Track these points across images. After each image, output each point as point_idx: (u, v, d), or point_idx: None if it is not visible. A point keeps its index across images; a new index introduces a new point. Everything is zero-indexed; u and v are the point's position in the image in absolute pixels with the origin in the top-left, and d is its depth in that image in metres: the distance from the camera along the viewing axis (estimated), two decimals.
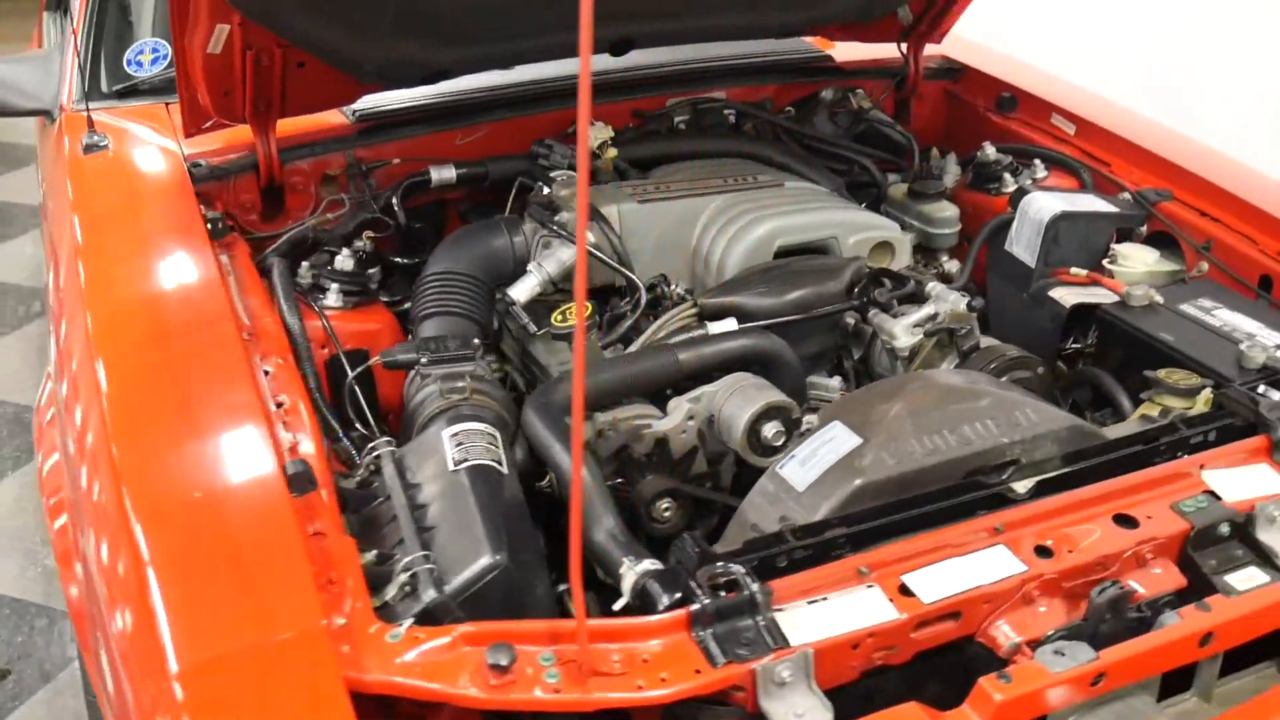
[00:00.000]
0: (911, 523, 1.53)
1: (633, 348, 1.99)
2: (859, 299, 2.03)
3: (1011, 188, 2.54)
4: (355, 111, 2.51)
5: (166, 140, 2.46)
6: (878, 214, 2.43)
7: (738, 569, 1.41)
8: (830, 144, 2.73)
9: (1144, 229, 2.40)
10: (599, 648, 1.35)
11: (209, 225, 2.15)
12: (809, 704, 1.35)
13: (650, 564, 1.48)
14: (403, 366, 1.89)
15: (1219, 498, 1.61)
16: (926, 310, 2.01)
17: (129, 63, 2.78)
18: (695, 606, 1.37)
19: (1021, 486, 1.60)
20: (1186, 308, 2.11)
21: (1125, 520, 1.56)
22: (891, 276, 2.12)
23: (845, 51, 2.97)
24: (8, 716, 2.91)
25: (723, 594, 1.39)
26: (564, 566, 1.61)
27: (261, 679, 1.26)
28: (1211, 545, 1.58)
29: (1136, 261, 2.29)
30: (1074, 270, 2.27)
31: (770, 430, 1.76)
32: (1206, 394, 1.87)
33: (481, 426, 1.72)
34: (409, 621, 1.36)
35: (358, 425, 1.92)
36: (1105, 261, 2.30)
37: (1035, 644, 1.45)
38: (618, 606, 1.48)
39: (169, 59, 2.72)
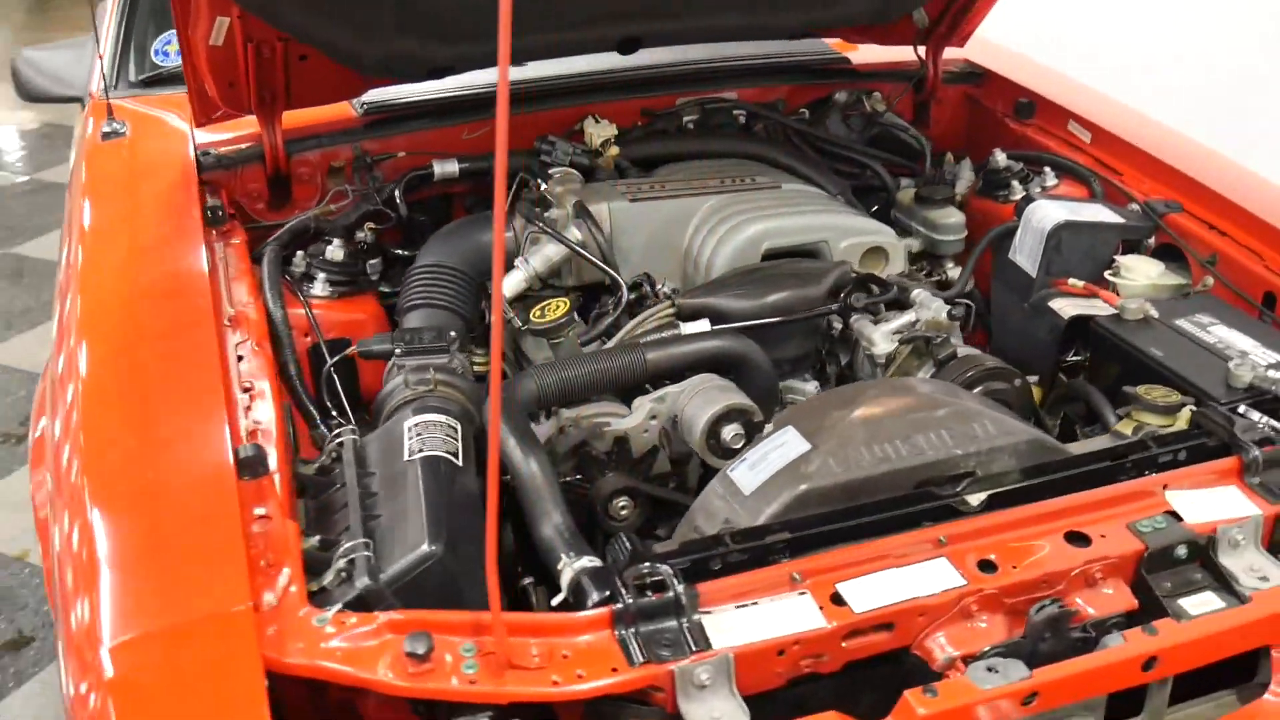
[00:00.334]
0: (854, 531, 1.51)
1: (608, 345, 1.99)
2: (837, 304, 2.01)
3: (1019, 195, 2.49)
4: (363, 105, 2.55)
5: (183, 129, 2.52)
6: (878, 219, 2.41)
7: (665, 570, 1.41)
8: (841, 147, 2.71)
9: (1152, 241, 2.34)
10: (520, 641, 1.36)
11: (207, 213, 2.20)
12: (727, 708, 1.35)
13: (588, 561, 1.49)
14: (377, 357, 1.92)
15: (1180, 519, 1.57)
16: (907, 318, 1.99)
17: (156, 52, 2.86)
18: (618, 605, 1.37)
19: (974, 499, 1.58)
20: (1182, 323, 2.06)
21: (1077, 538, 1.53)
22: (877, 283, 2.09)
23: (867, 55, 2.94)
24: (26, 682, 3.02)
25: (649, 594, 1.39)
26: (530, 559, 1.65)
27: (182, 656, 1.30)
28: (1168, 567, 1.54)
29: (1140, 274, 2.24)
30: (1072, 281, 2.23)
31: (729, 433, 1.75)
32: (1186, 412, 1.82)
33: (443, 419, 1.74)
34: (336, 607, 1.38)
35: (334, 413, 1.95)
36: (1108, 273, 2.25)
37: (971, 659, 1.43)
38: (555, 602, 1.49)
39: None
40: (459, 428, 1.74)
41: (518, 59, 2.54)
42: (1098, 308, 2.17)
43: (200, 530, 1.45)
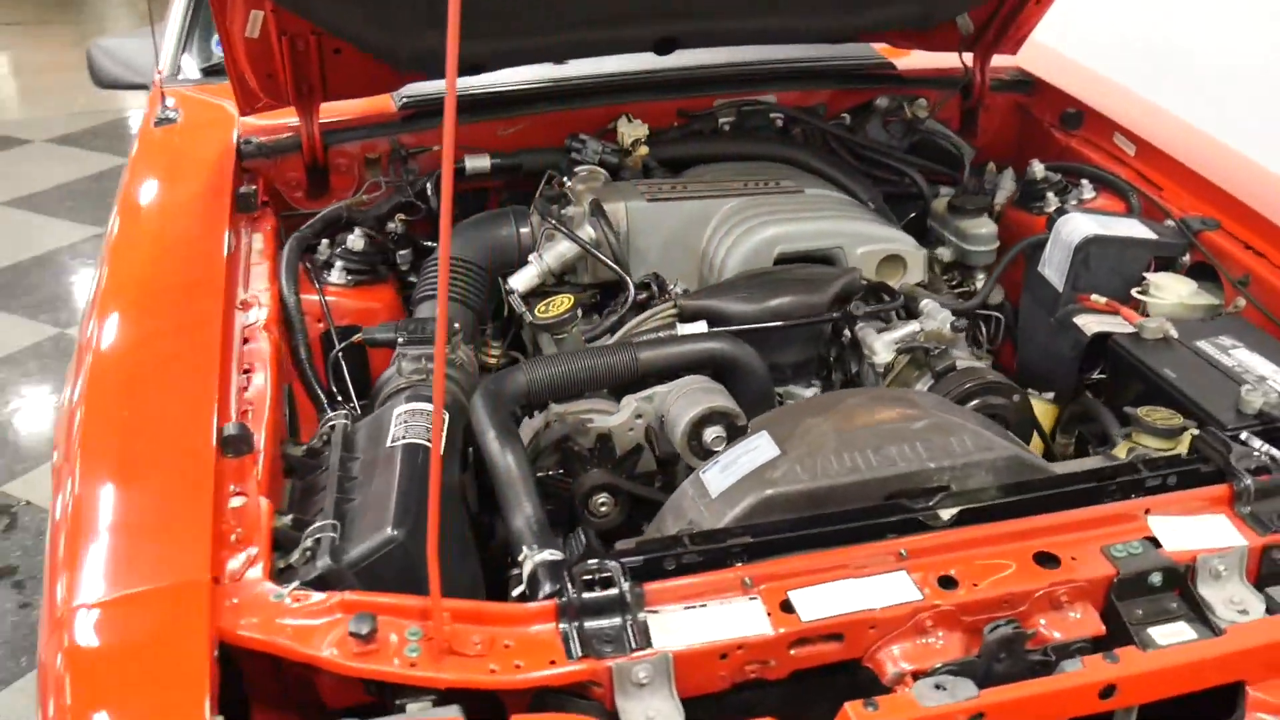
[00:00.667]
0: (815, 539, 1.50)
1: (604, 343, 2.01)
2: (838, 312, 1.99)
3: (1053, 207, 2.43)
4: (402, 99, 2.60)
5: (233, 117, 2.61)
6: (914, 227, 2.38)
7: (613, 567, 1.42)
8: (879, 153, 2.68)
9: (1187, 259, 2.26)
10: (466, 629, 1.38)
11: (240, 199, 2.28)
12: (664, 708, 1.35)
13: (549, 554, 1.51)
14: (381, 344, 1.97)
15: (1158, 545, 1.52)
16: (910, 327, 1.96)
17: (216, 43, 2.96)
18: (562, 599, 1.39)
19: (945, 514, 1.55)
20: (1203, 344, 1.99)
21: (1046, 559, 1.49)
22: (886, 291, 2.07)
23: (920, 61, 2.89)
24: None
25: (596, 590, 1.41)
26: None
27: (136, 623, 1.35)
28: (1142, 595, 1.49)
29: (1169, 292, 2.17)
30: (1095, 296, 2.17)
31: (711, 435, 1.76)
32: (1188, 437, 1.76)
33: (430, 407, 1.78)
34: (293, 584, 1.43)
35: (340, 398, 2.00)
36: (1135, 291, 2.18)
37: (922, 675, 1.41)
38: (515, 593, 1.51)
39: None
40: (445, 418, 1.77)
41: (545, 58, 2.57)
42: (1121, 325, 2.11)
43: (172, 503, 1.51)
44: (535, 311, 2.05)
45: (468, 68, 2.49)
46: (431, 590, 1.32)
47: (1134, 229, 2.27)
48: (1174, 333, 2.02)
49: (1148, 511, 1.56)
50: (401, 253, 2.41)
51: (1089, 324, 2.17)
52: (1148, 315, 2.14)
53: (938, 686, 1.37)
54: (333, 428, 1.79)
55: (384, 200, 2.48)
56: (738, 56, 2.79)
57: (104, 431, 1.65)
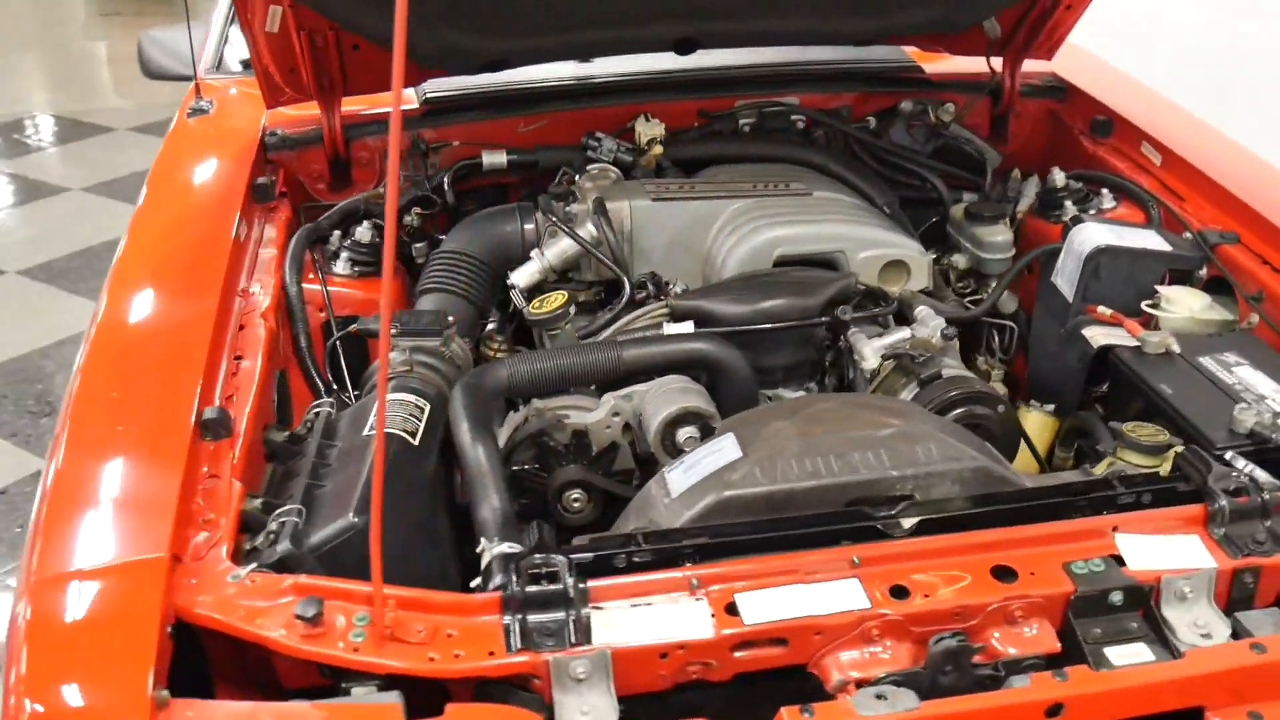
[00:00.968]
0: (769, 543, 1.50)
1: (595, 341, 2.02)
2: (827, 316, 1.97)
3: (1071, 216, 2.38)
4: (424, 94, 2.64)
5: (263, 110, 2.68)
6: (935, 233, 2.35)
7: (560, 562, 1.43)
8: (901, 157, 2.65)
9: (1204, 272, 2.20)
10: (412, 616, 1.41)
11: (257, 189, 2.34)
12: (600, 704, 1.36)
13: (506, 547, 1.53)
14: (374, 335, 2.00)
15: (1122, 563, 1.49)
16: (900, 335, 1.94)
17: None
18: (506, 591, 1.41)
19: (906, 523, 1.54)
20: (1206, 360, 1.94)
21: (1004, 572, 1.47)
22: (883, 297, 2.05)
23: (953, 65, 2.85)
24: None
25: (543, 584, 1.42)
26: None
27: (94, 597, 1.40)
28: (1102, 613, 1.46)
29: (1180, 306, 2.11)
30: (1101, 309, 2.12)
31: (684, 435, 1.76)
32: (1175, 453, 1.72)
33: (411, 399, 1.81)
34: (251, 566, 1.46)
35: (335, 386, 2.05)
36: (1145, 304, 2.13)
37: (866, 684, 1.40)
38: (473, 584, 1.53)
39: None
40: (426, 409, 1.80)
41: (566, 55, 2.59)
42: (1128, 338, 2.06)
43: (143, 482, 1.56)
44: (530, 307, 2.06)
45: (489, 63, 2.52)
46: (374, 578, 1.35)
47: (1148, 240, 2.22)
48: (1176, 347, 1.97)
49: (1115, 529, 1.53)
50: (417, 245, 2.45)
51: (1097, 336, 2.12)
52: (1158, 329, 2.09)
53: (879, 696, 1.36)
54: (317, 415, 1.83)
55: (402, 194, 2.53)
56: (762, 58, 2.78)
57: (92, 407, 1.71)
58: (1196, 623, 1.46)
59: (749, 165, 2.50)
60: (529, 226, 2.29)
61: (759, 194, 2.31)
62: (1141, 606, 1.47)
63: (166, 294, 1.97)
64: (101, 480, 1.57)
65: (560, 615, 1.40)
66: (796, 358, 2.01)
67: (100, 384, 1.76)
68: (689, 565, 1.47)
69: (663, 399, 1.79)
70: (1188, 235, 2.24)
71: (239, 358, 1.86)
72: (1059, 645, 1.44)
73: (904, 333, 1.94)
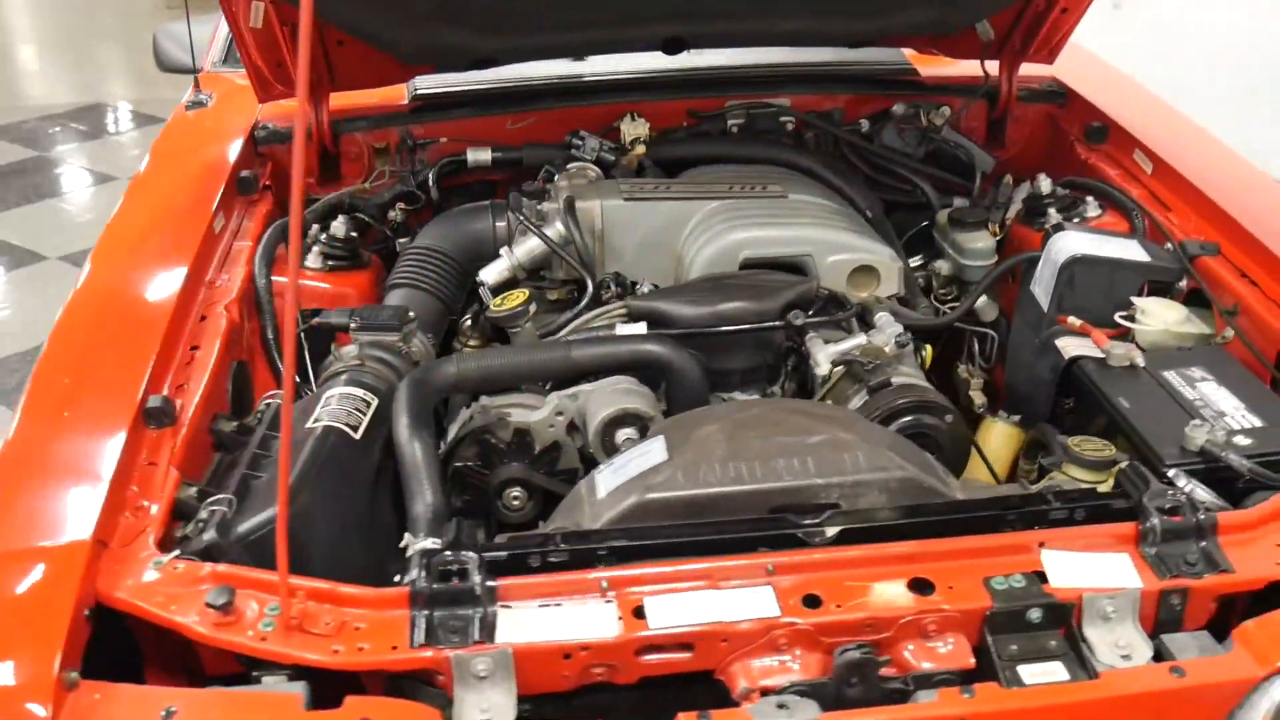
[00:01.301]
0: (686, 547, 1.49)
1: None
2: (782, 321, 1.95)
3: (1054, 223, 2.34)
4: (416, 90, 2.66)
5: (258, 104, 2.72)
6: (891, 238, 2.32)
7: (471, 559, 1.44)
8: (891, 161, 2.62)
9: (1183, 284, 2.15)
10: (322, 609, 1.43)
11: (240, 182, 2.37)
12: (500, 703, 1.37)
13: (430, 542, 1.53)
14: (335, 329, 2.02)
15: (1044, 580, 1.46)
16: (853, 341, 1.91)
17: None
18: (414, 588, 1.42)
19: (830, 531, 1.52)
20: (1170, 374, 1.89)
21: (922, 585, 1.45)
22: (844, 302, 2.02)
23: (952, 68, 2.81)
24: None
25: (454, 581, 1.43)
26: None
27: (16, 579, 1.43)
28: (1020, 630, 1.43)
29: (1156, 318, 2.06)
30: (1071, 319, 2.08)
31: (622, 436, 1.76)
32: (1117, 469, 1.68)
33: (360, 393, 1.83)
34: (174, 553, 1.49)
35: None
36: (1118, 315, 2.08)
37: (772, 693, 1.39)
38: (397, 578, 1.55)
39: None
40: (373, 404, 1.82)
41: (556, 54, 2.60)
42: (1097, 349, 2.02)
43: (79, 467, 1.59)
44: (492, 305, 2.07)
45: (478, 62, 2.53)
46: (279, 569, 1.37)
47: (1127, 250, 2.16)
48: (1140, 360, 1.92)
49: (1042, 544, 1.50)
50: (401, 241, 2.47)
51: (1069, 346, 2.07)
52: (1134, 341, 2.05)
53: (780, 706, 1.36)
54: (268, 406, 1.86)
55: (387, 189, 2.55)
56: (756, 58, 2.76)
57: (46, 390, 1.75)
58: (1118, 644, 1.43)
59: (732, 167, 2.48)
60: (500, 224, 2.30)
61: (733, 195, 2.29)
62: (1063, 625, 1.44)
63: (131, 284, 2.01)
64: (40, 464, 1.61)
65: (467, 612, 1.41)
66: (753, 361, 1.99)
67: (56, 369, 1.80)
68: (603, 567, 1.47)
69: (604, 399, 1.79)
70: (1169, 246, 2.19)
71: (195, 347, 1.89)
72: (973, 661, 1.42)
73: (858, 339, 1.91)
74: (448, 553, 1.44)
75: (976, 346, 2.41)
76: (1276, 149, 3.60)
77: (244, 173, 2.40)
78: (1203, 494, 1.59)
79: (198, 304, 1.99)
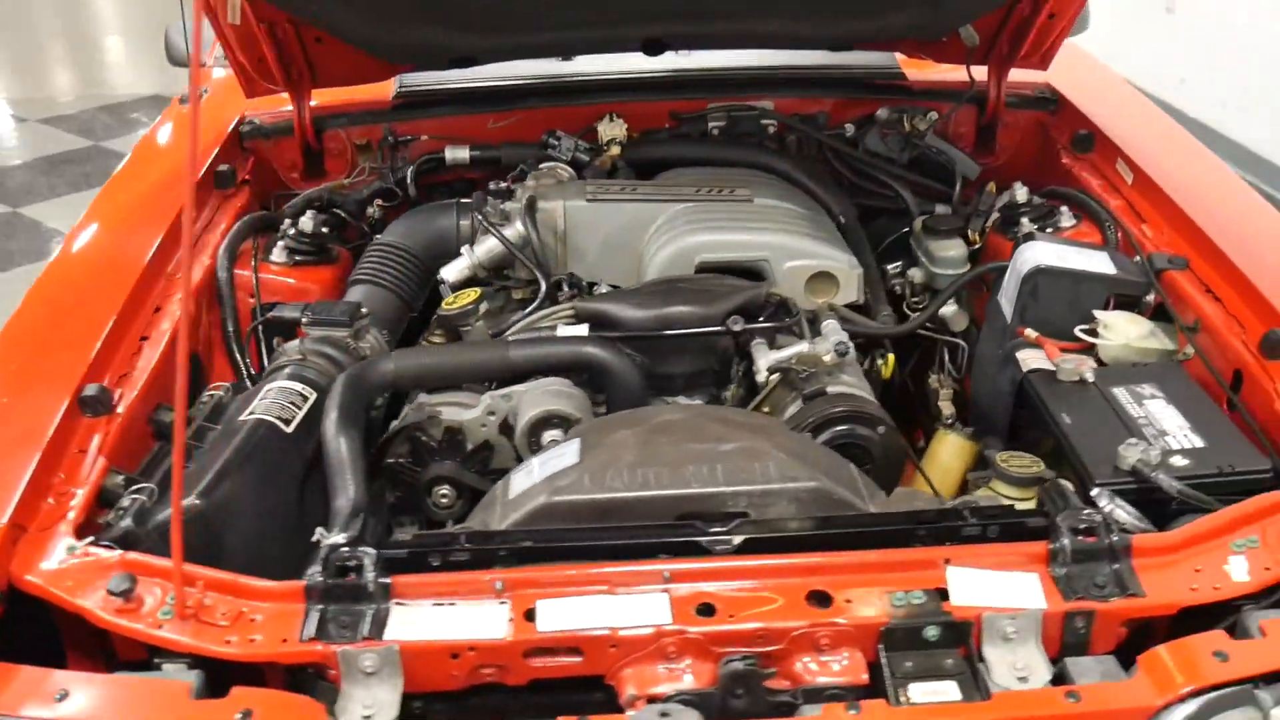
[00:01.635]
0: (587, 551, 1.49)
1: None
2: (723, 326, 1.93)
3: (1026, 232, 2.30)
4: (400, 87, 2.69)
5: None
6: (860, 247, 2.30)
7: (366, 555, 1.45)
8: (871, 166, 2.59)
9: (1151, 298, 2.09)
10: (221, 599, 1.45)
11: (217, 176, 2.41)
12: (386, 699, 1.38)
13: (339, 537, 1.55)
14: (287, 323, 2.05)
15: (945, 597, 1.43)
16: (794, 349, 1.89)
17: None
18: (309, 582, 1.43)
19: (736, 540, 1.51)
20: (1119, 390, 1.84)
21: (820, 598, 1.43)
22: (790, 309, 2.00)
23: (943, 73, 2.77)
24: None
25: (350, 577, 1.44)
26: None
27: None
28: (917, 647, 1.41)
29: (1117, 332, 2.01)
30: (1028, 331, 2.04)
31: (548, 437, 1.76)
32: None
33: (299, 387, 1.85)
34: (88, 540, 1.52)
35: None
36: (1079, 329, 2.03)
37: (658, 700, 1.38)
38: (307, 572, 1.56)
39: None
40: (310, 399, 1.84)
41: (536, 54, 2.60)
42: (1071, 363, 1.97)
43: (5, 453, 1.62)
44: (444, 303, 2.09)
45: (457, 61, 2.55)
46: (174, 558, 1.39)
47: (1094, 262, 2.11)
48: (1090, 376, 1.88)
49: (948, 561, 1.47)
50: (378, 236, 2.50)
51: (1029, 359, 2.03)
52: (1096, 355, 2.01)
53: (663, 714, 1.35)
54: (211, 397, 1.89)
55: (366, 185, 2.58)
56: (743, 60, 2.75)
57: None
58: (1017, 665, 1.40)
59: (706, 169, 2.47)
60: (464, 222, 2.31)
61: (698, 198, 2.28)
62: (962, 644, 1.41)
63: (89, 275, 2.05)
64: None
65: (360, 608, 1.42)
66: (698, 366, 1.98)
67: (5, 356, 1.84)
68: (500, 569, 1.47)
69: (533, 400, 1.79)
70: (1138, 259, 2.13)
71: (144, 338, 1.92)
72: (866, 677, 1.40)
73: (799, 347, 1.89)
74: (345, 548, 1.45)
75: (947, 356, 2.37)
76: None
77: (222, 167, 2.44)
78: (1124, 515, 1.55)
79: (154, 295, 2.02)
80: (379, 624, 1.41)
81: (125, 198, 2.35)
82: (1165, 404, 1.81)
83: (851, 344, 1.90)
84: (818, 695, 1.38)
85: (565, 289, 2.12)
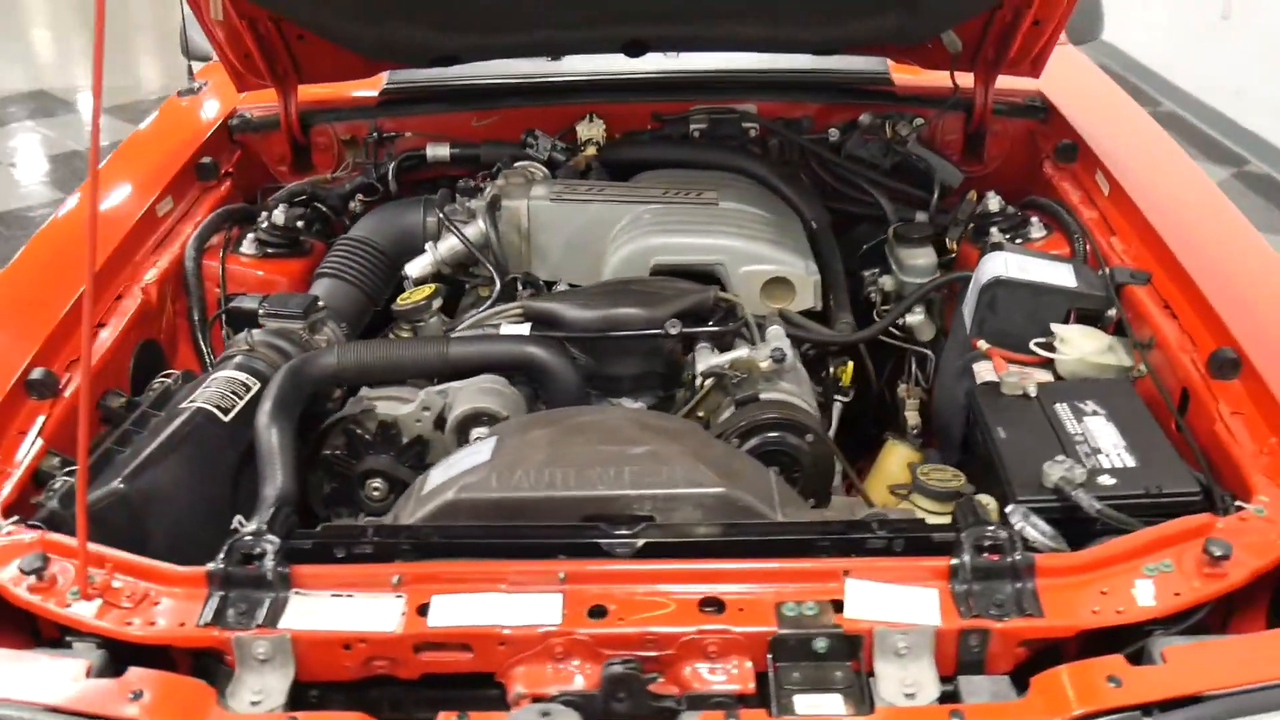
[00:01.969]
0: (488, 549, 1.50)
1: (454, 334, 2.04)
2: (660, 330, 1.93)
3: (994, 242, 2.26)
4: (388, 84, 2.72)
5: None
6: (824, 254, 2.29)
7: (269, 544, 1.47)
8: (850, 171, 2.56)
9: (1113, 313, 2.05)
10: (128, 581, 1.48)
11: (199, 168, 2.47)
12: (276, 686, 1.40)
13: (253, 526, 1.57)
14: (245, 314, 2.09)
15: (838, 610, 1.42)
16: (736, 353, 1.88)
17: None
18: (211, 568, 1.46)
19: (639, 542, 1.51)
20: (1060, 406, 1.81)
21: (713, 604, 1.43)
22: (733, 314, 1.99)
23: (934, 79, 2.73)
24: None
25: (253, 565, 1.47)
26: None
27: None
28: (806, 659, 1.40)
29: (1073, 347, 1.98)
30: (980, 343, 2.01)
31: (475, 434, 1.77)
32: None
33: (242, 377, 1.89)
34: (14, 519, 1.56)
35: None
36: (1034, 342, 2.00)
37: (544, 700, 1.39)
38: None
39: None
40: (252, 389, 1.87)
41: (522, 53, 2.61)
42: (1027, 376, 1.94)
43: None
44: (398, 299, 2.11)
45: (439, 59, 2.57)
46: (79, 540, 1.43)
47: (1056, 275, 2.08)
48: (1033, 390, 1.85)
49: (847, 573, 1.46)
50: (348, 232, 2.53)
51: (983, 371, 2.01)
52: (1054, 369, 1.97)
53: (543, 714, 1.35)
54: (162, 384, 1.93)
55: (349, 181, 2.62)
56: (732, 63, 2.74)
57: None
58: (906, 681, 1.38)
59: (680, 172, 2.47)
60: (431, 219, 2.34)
61: (662, 200, 2.28)
62: (854, 658, 1.40)
63: (54, 261, 2.10)
64: None
65: (259, 596, 1.45)
66: (643, 368, 1.98)
67: None
68: (400, 563, 1.49)
69: (465, 397, 1.81)
70: (1103, 272, 2.09)
71: (102, 324, 1.97)
72: (754, 686, 1.39)
73: (738, 352, 1.88)
74: (248, 537, 1.48)
75: (914, 366, 2.35)
76: None
77: (204, 159, 2.49)
78: (1034, 533, 1.52)
79: (117, 283, 2.07)
80: (275, 612, 1.43)
81: (107, 185, 2.40)
82: (1105, 422, 1.77)
83: (790, 351, 1.89)
84: (703, 702, 1.38)
85: (520, 288, 2.13)
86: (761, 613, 1.42)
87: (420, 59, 2.57)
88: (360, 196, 2.57)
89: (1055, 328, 2.02)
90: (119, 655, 1.42)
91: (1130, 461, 1.67)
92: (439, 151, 2.61)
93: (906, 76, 2.75)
